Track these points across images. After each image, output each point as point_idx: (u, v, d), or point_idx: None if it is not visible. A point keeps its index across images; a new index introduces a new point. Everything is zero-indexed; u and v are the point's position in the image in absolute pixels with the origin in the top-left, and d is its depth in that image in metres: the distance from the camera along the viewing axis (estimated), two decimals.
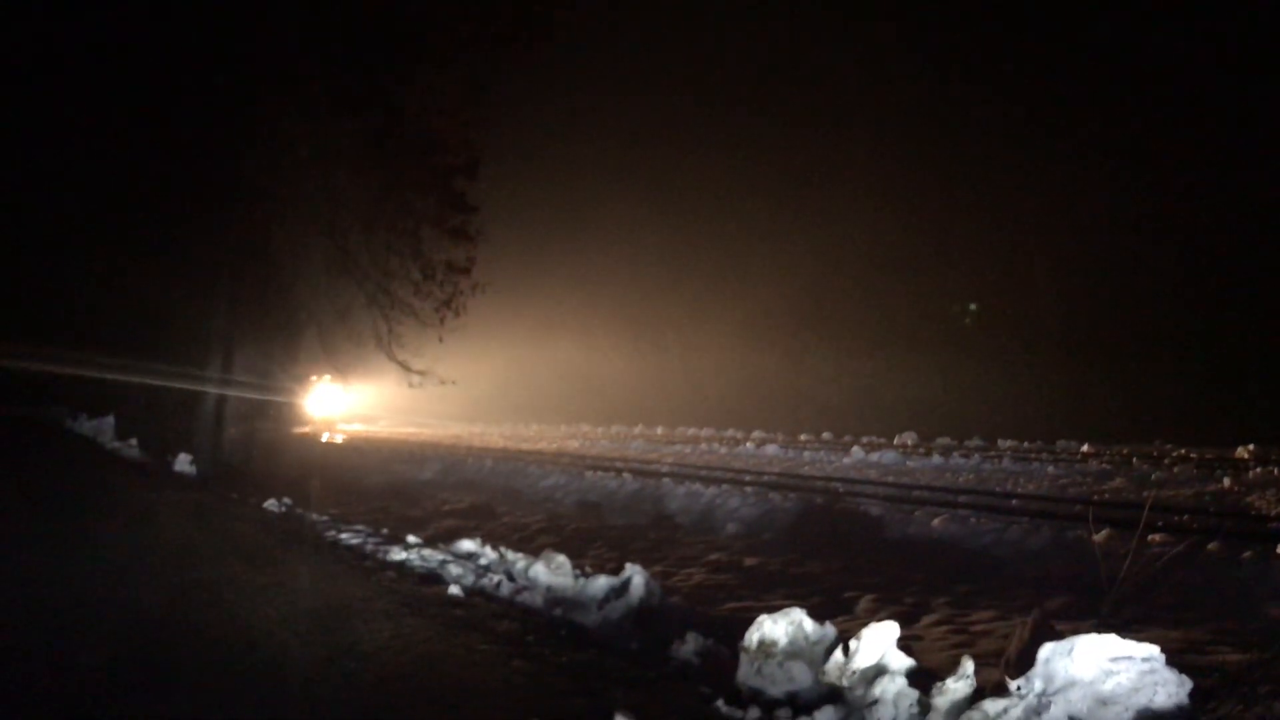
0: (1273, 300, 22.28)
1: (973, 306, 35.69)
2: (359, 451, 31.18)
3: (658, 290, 35.23)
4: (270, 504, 11.09)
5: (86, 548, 7.07)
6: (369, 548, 7.88)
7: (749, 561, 10.55)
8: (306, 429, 44.24)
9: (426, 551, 7.67)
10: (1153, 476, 14.44)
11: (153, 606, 5.28)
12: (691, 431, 29.62)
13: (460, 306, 20.10)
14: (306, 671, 4.14)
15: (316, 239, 19.81)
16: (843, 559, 10.36)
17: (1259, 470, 14.03)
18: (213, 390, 19.96)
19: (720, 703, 3.93)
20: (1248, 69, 22.82)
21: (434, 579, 6.54)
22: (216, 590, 5.72)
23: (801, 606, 4.52)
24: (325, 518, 10.44)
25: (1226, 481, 13.23)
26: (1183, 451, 17.75)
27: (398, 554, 7.50)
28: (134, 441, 16.88)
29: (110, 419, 18.49)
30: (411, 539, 8.34)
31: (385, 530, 9.36)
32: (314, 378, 46.17)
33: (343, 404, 51.53)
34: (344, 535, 8.61)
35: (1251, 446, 16.97)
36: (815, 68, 30.99)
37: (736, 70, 34.74)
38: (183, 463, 14.76)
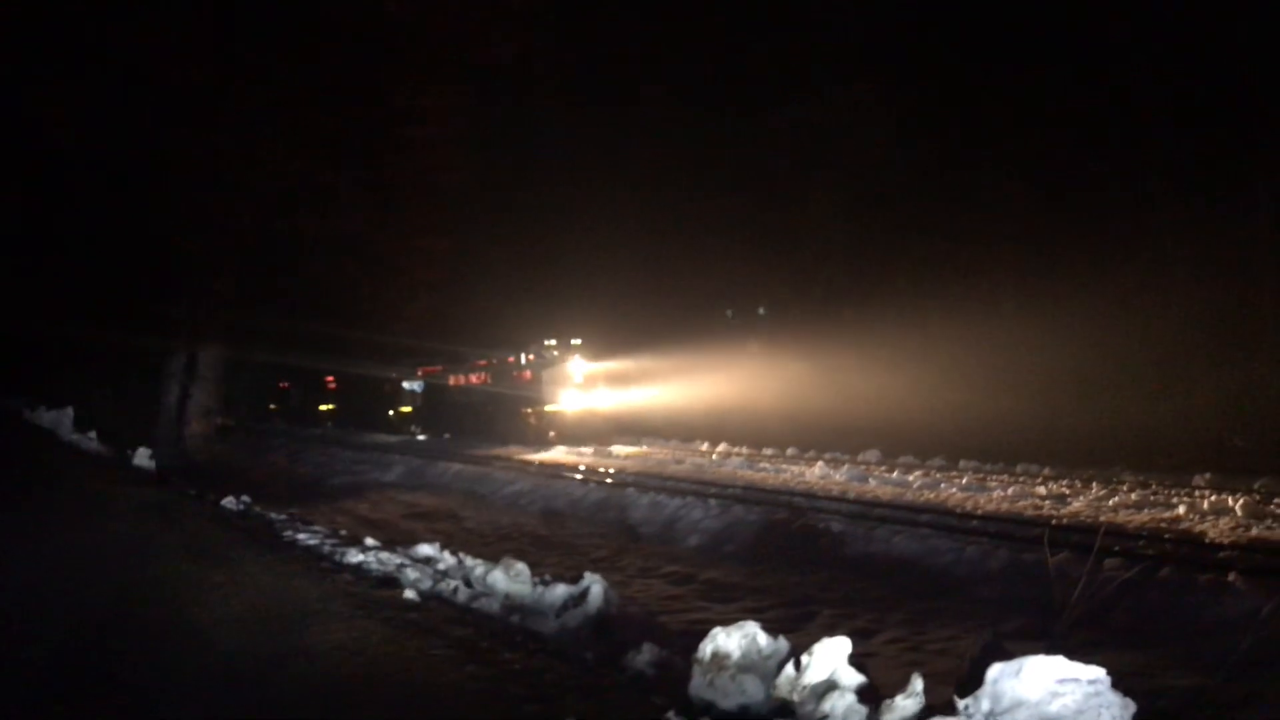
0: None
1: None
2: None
3: (626, 304, 34.98)
4: (228, 501, 10.99)
5: (35, 542, 6.97)
6: (326, 548, 7.83)
7: (709, 574, 10.57)
8: (540, 453, 24.80)
9: (384, 554, 7.64)
10: (1110, 501, 14.61)
11: (101, 604, 5.21)
12: (660, 444, 29.62)
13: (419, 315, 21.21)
14: (258, 672, 4.10)
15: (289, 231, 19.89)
16: (802, 573, 10.40)
17: (1214, 498, 14.23)
18: (175, 386, 19.82)
19: (672, 713, 3.93)
20: None
21: (391, 582, 6.50)
22: (168, 588, 5.66)
23: (758, 620, 4.54)
24: (284, 516, 10.36)
25: (1181, 509, 13.42)
26: (1140, 478, 17.98)
27: (355, 556, 7.46)
28: (93, 434, 16.63)
29: (69, 410, 18.20)
30: (370, 541, 8.29)
31: (344, 531, 9.30)
32: (549, 347, 28.83)
33: (612, 399, 29.58)
34: (301, 535, 8.56)
35: (1208, 475, 17.23)
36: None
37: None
38: (142, 457, 14.57)
